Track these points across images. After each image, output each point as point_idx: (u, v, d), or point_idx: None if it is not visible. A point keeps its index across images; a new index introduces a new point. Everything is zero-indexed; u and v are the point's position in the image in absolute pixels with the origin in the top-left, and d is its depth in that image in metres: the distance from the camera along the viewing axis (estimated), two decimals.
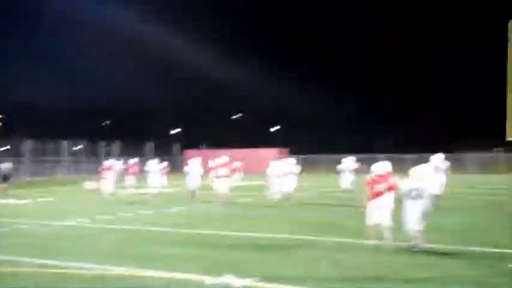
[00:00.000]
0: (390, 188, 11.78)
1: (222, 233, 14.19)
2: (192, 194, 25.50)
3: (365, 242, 11.92)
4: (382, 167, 12.13)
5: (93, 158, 51.09)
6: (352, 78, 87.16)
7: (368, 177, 12.19)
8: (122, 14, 76.16)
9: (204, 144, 67.86)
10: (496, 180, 37.18)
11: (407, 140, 70.90)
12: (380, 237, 11.65)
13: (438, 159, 21.01)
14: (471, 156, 50.76)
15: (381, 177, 11.93)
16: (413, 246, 11.20)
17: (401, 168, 17.60)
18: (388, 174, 12.06)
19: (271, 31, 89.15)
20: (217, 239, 13.12)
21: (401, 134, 79.08)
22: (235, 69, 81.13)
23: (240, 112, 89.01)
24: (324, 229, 14.54)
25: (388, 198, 11.78)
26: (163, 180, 26.68)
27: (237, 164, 32.85)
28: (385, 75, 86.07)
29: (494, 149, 63.16)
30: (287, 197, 22.99)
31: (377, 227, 11.85)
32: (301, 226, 15.24)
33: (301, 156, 50.30)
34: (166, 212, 20.05)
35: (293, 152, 53.89)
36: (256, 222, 16.54)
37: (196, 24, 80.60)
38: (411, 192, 11.29)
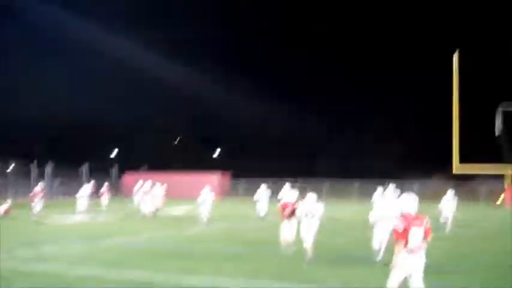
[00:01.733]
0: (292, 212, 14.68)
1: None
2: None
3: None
4: (291, 194, 15.42)
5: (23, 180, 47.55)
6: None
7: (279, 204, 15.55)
8: (57, 23, 72.15)
9: (146, 167, 64.81)
10: None
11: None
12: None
13: (390, 189, 21.46)
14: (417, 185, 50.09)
15: (289, 204, 14.96)
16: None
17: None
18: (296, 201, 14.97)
19: (213, 48, 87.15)
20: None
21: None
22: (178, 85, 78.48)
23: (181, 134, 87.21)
24: None
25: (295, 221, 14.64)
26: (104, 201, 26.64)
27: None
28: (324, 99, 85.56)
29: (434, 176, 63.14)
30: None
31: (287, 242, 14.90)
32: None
33: (243, 179, 48.83)
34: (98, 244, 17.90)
35: (236, 176, 52.33)
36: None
37: (139, 37, 77.25)
38: (306, 214, 13.94)
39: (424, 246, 8.28)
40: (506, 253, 16.34)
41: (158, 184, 30.07)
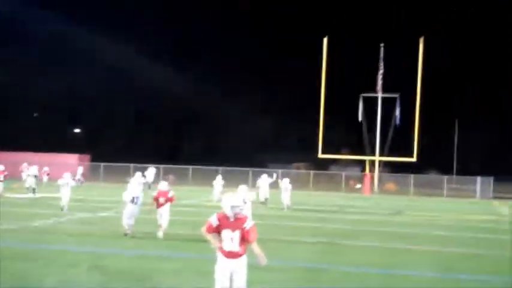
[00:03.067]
0: (168, 200, 15.40)
1: None
2: None
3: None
4: (163, 185, 15.80)
5: None
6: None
7: (154, 193, 15.80)
8: None
9: None
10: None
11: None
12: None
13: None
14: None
15: (162, 192, 15.45)
16: (126, 235, 14.84)
17: None
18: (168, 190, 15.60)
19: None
20: None
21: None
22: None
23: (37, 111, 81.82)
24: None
25: (167, 208, 15.41)
26: None
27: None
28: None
29: (294, 165, 63.80)
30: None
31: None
32: None
33: (102, 164, 46.00)
34: None
35: (96, 159, 49.16)
36: None
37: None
38: (133, 199, 15.12)
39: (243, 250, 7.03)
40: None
41: None
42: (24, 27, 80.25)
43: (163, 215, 15.17)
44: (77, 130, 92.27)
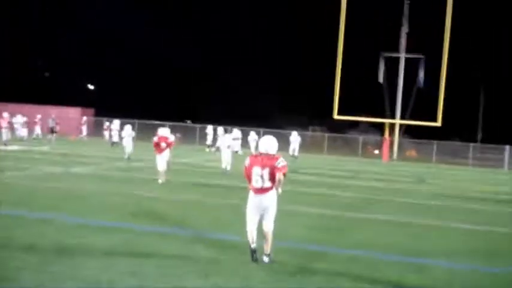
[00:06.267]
0: (169, 145, 16.14)
1: None
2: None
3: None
4: (163, 131, 16.33)
5: None
6: None
7: (154, 138, 16.19)
8: None
9: None
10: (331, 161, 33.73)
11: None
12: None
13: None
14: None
15: (163, 138, 16.07)
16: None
17: None
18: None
19: None
20: None
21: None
22: None
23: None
24: None
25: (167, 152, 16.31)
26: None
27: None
28: None
29: (311, 128, 61.29)
30: None
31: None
32: None
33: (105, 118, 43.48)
34: None
35: (101, 114, 46.68)
36: None
37: None
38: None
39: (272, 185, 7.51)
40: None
41: None
42: None
43: (164, 159, 16.01)
44: (90, 86, 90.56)
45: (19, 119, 35.92)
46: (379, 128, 49.38)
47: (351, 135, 52.37)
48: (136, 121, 41.90)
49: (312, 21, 70.91)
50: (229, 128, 33.99)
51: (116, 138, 34.27)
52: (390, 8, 46.02)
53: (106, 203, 12.14)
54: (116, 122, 35.15)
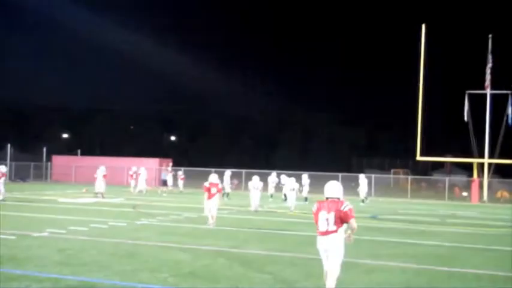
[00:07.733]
0: (219, 191, 16.99)
1: None
2: None
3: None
4: (214, 177, 16.84)
5: None
6: None
7: (205, 183, 16.85)
8: None
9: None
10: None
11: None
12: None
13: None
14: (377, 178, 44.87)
15: (213, 184, 16.72)
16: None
17: None
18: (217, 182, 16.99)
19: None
20: None
21: None
22: None
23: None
24: None
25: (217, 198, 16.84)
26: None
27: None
28: None
29: (393, 171, 59.01)
30: None
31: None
32: None
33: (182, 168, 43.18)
34: None
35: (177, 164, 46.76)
36: None
37: None
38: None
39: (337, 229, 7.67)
40: None
41: None
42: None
43: (215, 205, 16.56)
44: (172, 138, 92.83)
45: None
46: (465, 168, 46.85)
47: (436, 177, 49.86)
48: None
49: (392, 62, 69.39)
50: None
51: (228, 189, 31.81)
52: (473, 44, 44.05)
53: None
54: (227, 173, 32.28)
